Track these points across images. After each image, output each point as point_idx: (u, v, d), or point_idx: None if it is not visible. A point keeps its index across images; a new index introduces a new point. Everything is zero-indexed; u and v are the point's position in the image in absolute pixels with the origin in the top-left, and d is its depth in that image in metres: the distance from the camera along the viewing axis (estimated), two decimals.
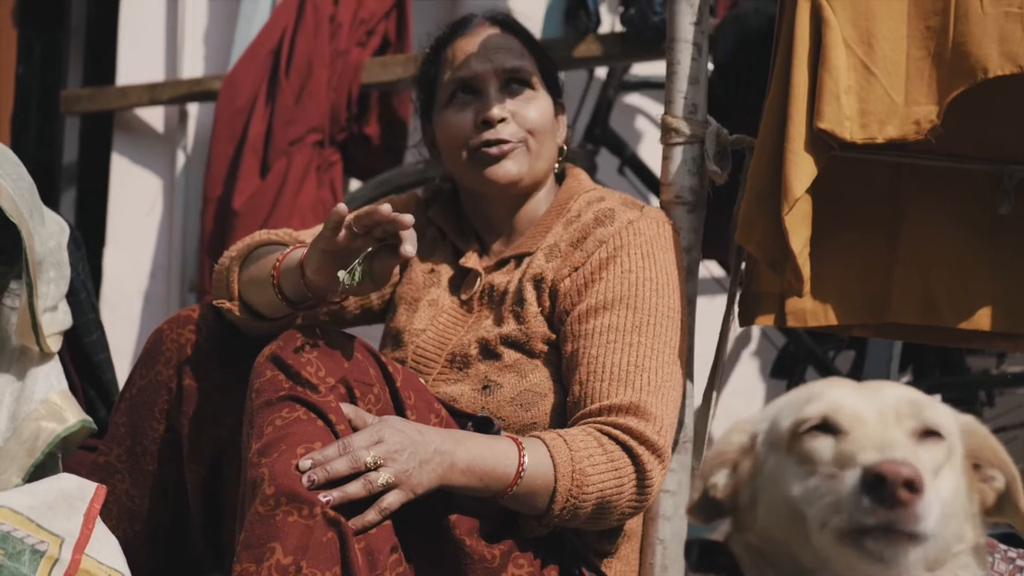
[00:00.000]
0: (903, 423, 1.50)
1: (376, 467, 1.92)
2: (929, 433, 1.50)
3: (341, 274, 2.00)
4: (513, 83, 2.36)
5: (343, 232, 1.99)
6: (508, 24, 2.44)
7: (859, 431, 1.48)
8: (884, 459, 1.41)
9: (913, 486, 1.39)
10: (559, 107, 2.45)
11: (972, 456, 1.57)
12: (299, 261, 2.08)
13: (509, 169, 2.32)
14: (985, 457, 1.57)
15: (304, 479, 1.88)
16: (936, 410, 1.54)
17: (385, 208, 1.95)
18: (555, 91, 2.44)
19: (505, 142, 2.31)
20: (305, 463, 1.90)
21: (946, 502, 1.48)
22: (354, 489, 1.90)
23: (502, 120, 2.32)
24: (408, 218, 1.96)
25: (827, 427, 1.50)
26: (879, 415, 1.50)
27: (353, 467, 1.91)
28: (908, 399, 1.53)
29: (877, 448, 1.44)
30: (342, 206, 1.99)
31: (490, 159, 2.32)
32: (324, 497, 1.88)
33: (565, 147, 2.46)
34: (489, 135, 2.32)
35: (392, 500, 1.93)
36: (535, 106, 2.36)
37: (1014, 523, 1.58)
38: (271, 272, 2.12)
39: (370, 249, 2.01)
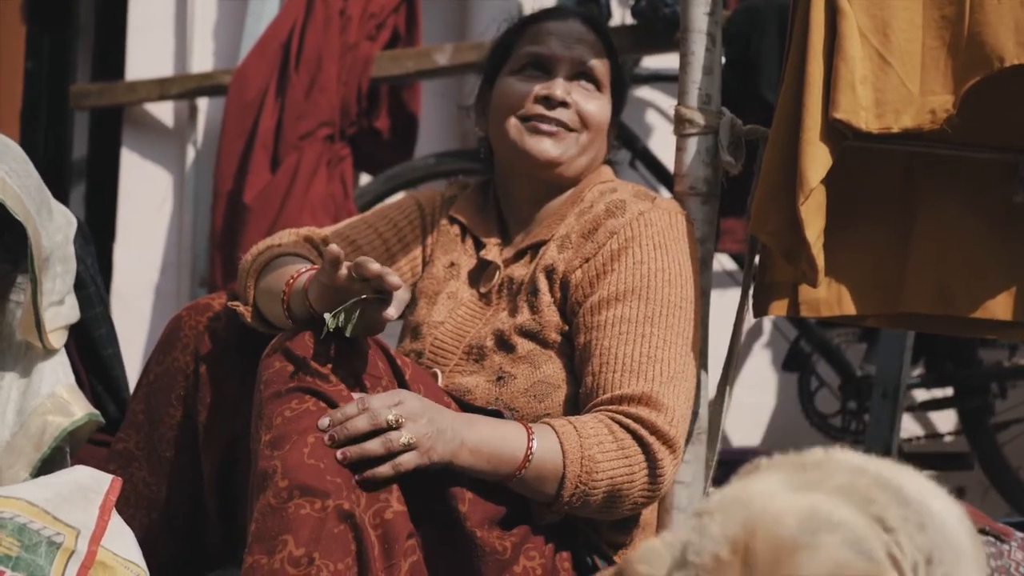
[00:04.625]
0: None
1: (397, 426, 1.92)
2: None
3: (326, 316, 1.97)
4: (582, 78, 2.38)
5: (344, 270, 1.96)
6: (599, 27, 2.47)
7: None
8: None
9: None
10: (616, 121, 2.47)
11: None
12: (305, 285, 2.07)
13: (550, 149, 2.33)
14: None
15: (325, 438, 1.90)
16: None
17: (375, 266, 1.92)
18: (618, 105, 2.46)
19: (560, 124, 2.33)
20: (323, 422, 1.91)
21: None
22: (373, 446, 1.91)
23: (563, 103, 2.33)
24: (395, 280, 1.92)
25: None
26: None
27: (374, 424, 1.91)
28: None
29: None
30: (335, 248, 1.95)
31: (537, 132, 2.33)
32: (341, 453, 1.89)
33: (610, 158, 2.48)
34: (546, 111, 2.33)
35: (407, 459, 1.93)
36: (596, 103, 2.38)
37: None
38: (283, 289, 2.12)
39: (363, 296, 1.96)
